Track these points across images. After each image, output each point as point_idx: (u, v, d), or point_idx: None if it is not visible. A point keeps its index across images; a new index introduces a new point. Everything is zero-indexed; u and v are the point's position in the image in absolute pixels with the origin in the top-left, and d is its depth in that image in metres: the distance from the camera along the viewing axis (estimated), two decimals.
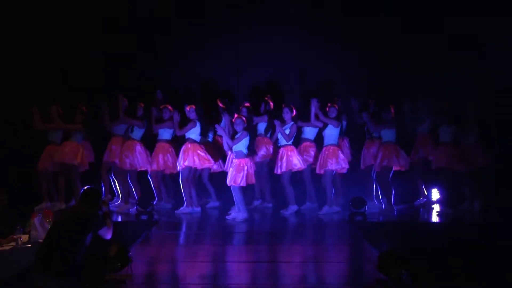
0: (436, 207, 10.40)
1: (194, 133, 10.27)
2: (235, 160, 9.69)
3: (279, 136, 10.26)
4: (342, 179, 10.50)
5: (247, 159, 9.65)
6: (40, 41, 11.14)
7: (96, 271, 6.30)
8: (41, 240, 6.82)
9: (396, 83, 11.08)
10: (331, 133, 10.16)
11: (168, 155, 10.48)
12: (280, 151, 10.21)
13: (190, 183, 10.28)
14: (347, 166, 10.26)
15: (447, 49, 10.99)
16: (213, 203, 10.85)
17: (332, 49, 11.37)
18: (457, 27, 10.91)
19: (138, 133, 10.51)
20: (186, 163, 10.12)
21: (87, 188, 6.22)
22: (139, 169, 10.57)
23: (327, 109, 10.18)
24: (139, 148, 10.47)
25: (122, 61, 11.29)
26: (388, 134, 10.16)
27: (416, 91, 10.65)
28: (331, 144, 10.13)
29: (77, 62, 11.12)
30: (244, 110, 10.24)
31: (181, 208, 10.29)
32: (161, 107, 10.50)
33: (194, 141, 10.24)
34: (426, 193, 10.61)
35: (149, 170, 10.61)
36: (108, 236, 6.12)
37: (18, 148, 10.80)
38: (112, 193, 10.89)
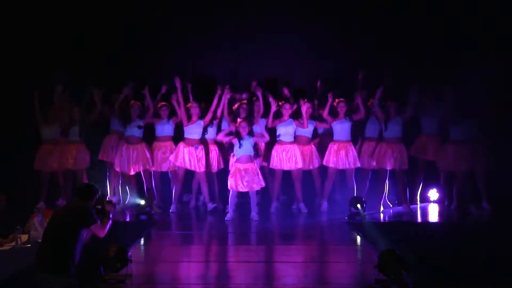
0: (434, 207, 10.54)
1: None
2: (245, 165, 9.67)
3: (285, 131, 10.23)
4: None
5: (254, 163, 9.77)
6: (40, 41, 11.13)
7: (95, 271, 6.30)
8: (40, 240, 6.82)
9: (396, 83, 11.06)
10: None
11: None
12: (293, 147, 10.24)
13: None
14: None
15: (449, 48, 11.01)
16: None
17: (332, 49, 11.37)
18: (458, 27, 10.92)
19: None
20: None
21: (82, 184, 6.23)
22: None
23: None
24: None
25: (122, 60, 11.28)
26: (396, 131, 10.17)
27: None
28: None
29: (77, 62, 11.12)
30: (245, 106, 10.16)
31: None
32: (158, 105, 10.43)
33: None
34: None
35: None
36: (101, 234, 6.11)
37: (17, 148, 10.78)
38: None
